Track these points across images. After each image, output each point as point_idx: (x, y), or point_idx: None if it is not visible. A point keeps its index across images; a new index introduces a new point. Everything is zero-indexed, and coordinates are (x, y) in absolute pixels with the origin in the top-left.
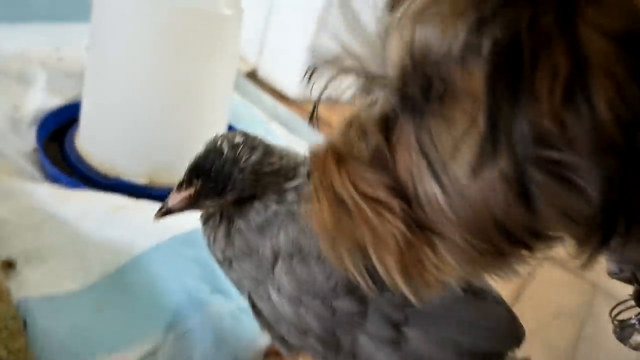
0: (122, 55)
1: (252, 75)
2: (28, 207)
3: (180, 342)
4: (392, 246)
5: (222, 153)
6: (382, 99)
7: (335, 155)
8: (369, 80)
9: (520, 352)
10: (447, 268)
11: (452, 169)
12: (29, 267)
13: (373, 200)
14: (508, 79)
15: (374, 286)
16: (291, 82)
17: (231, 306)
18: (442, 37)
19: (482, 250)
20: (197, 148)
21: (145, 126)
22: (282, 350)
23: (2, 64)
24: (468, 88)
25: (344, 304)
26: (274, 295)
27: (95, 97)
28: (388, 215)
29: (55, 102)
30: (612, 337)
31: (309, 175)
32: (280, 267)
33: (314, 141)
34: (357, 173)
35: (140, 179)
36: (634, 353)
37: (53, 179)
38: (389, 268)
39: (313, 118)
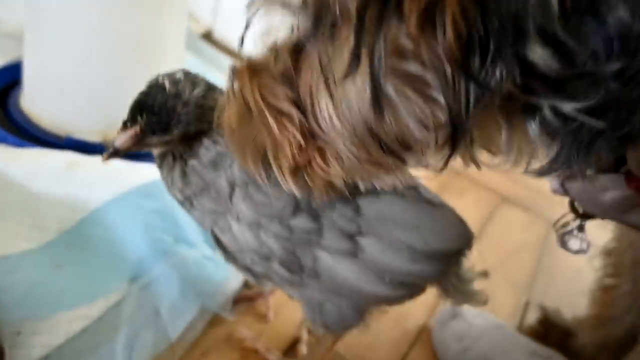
0: (64, 9)
1: (208, 36)
2: None
3: (145, 292)
4: (287, 150)
5: (164, 88)
6: (298, 27)
7: (251, 70)
8: (290, 11)
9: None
10: (333, 172)
11: (340, 84)
12: None
13: (276, 110)
14: (376, 3)
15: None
16: (247, 42)
17: (195, 254)
18: None
19: (362, 159)
20: None
21: (95, 83)
22: (250, 279)
23: None
24: (349, 13)
25: (300, 222)
26: (234, 225)
27: (38, 56)
28: (287, 123)
29: None
30: (567, 269)
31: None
32: (237, 196)
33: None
34: (267, 86)
35: (93, 137)
36: (585, 279)
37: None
38: (283, 168)
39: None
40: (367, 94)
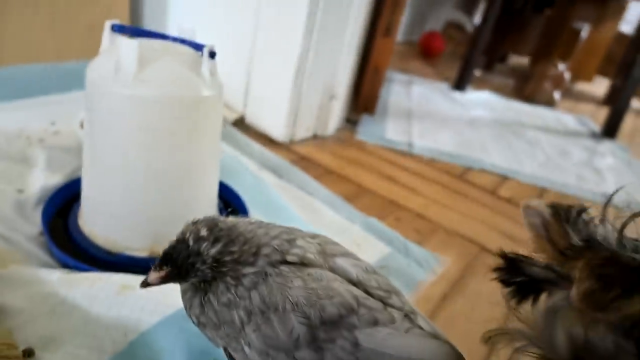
0: (112, 144)
1: (240, 122)
2: (41, 294)
3: None
4: None
5: (188, 246)
6: None
7: None
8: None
9: None
10: None
11: None
12: (47, 352)
13: None
14: None
15: None
16: (276, 125)
17: None
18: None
19: None
20: (192, 217)
21: (143, 205)
22: None
23: (4, 146)
24: None
25: (304, 354)
26: (247, 349)
27: (92, 181)
28: None
29: (56, 179)
30: None
31: None
32: (249, 326)
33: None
34: None
35: (142, 252)
36: None
37: (60, 262)
38: None
39: None
40: None
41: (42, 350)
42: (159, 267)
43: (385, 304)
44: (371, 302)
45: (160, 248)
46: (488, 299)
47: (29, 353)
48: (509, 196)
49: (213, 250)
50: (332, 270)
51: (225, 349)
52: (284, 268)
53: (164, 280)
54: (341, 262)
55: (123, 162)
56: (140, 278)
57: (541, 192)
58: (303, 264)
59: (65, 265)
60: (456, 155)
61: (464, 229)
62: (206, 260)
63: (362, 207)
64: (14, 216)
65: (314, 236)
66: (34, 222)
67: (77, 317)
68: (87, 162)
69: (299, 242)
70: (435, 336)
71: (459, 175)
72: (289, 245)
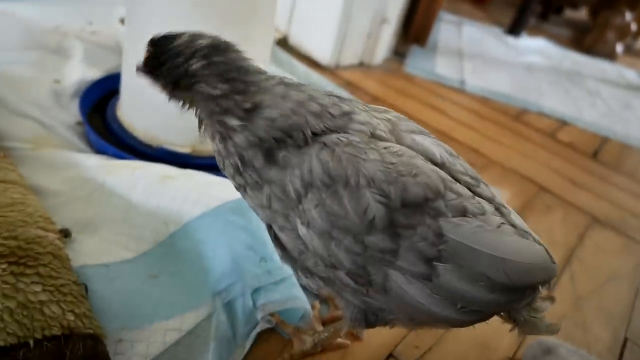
0: (160, 23)
1: (283, 43)
2: (78, 178)
3: (228, 308)
4: None
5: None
6: None
7: None
8: None
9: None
10: None
11: None
12: (83, 235)
13: None
14: None
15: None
16: (322, 48)
17: (274, 273)
18: None
19: None
20: None
21: None
22: (306, 282)
23: (40, 38)
24: None
25: (376, 240)
26: (302, 229)
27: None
28: None
29: (93, 74)
30: None
31: None
32: (309, 201)
33: None
34: None
35: (183, 149)
36: None
37: (99, 150)
38: None
39: None
40: None
41: (77, 233)
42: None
43: (474, 192)
44: (459, 187)
45: (202, 147)
46: (547, 237)
47: (65, 233)
48: (569, 141)
49: (200, 63)
50: (410, 147)
51: (270, 227)
52: (353, 137)
53: (145, 64)
54: (421, 140)
55: None
56: (181, 170)
57: (603, 140)
58: (373, 136)
59: (103, 154)
60: (511, 97)
61: (522, 167)
62: (191, 66)
63: None
64: (51, 104)
65: (383, 110)
66: (71, 112)
67: (115, 203)
68: (128, 47)
69: (362, 115)
70: (529, 234)
71: (515, 116)
72: (346, 115)
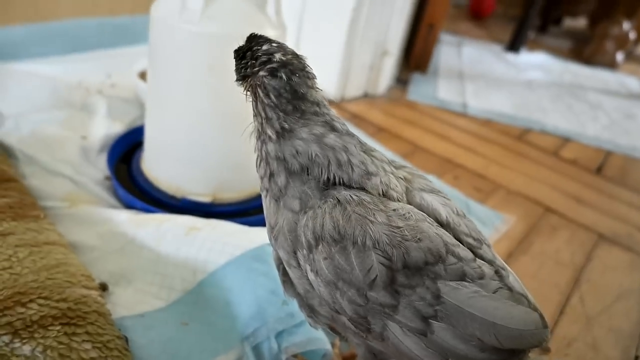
0: (178, 86)
1: None
2: (110, 233)
3: (255, 351)
4: None
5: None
6: None
7: None
8: None
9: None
10: None
11: None
12: (119, 288)
13: None
14: None
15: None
16: (327, 83)
17: (297, 319)
18: None
19: None
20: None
21: (206, 150)
22: (309, 320)
23: (66, 95)
24: None
25: (378, 296)
26: (312, 276)
27: (156, 126)
28: None
29: (117, 127)
30: None
31: None
32: (320, 252)
33: None
34: None
35: (205, 198)
36: None
37: (127, 204)
38: None
39: None
40: None
41: (113, 286)
42: None
43: (475, 254)
44: (461, 250)
45: (223, 195)
46: (555, 258)
47: (103, 287)
48: (573, 158)
49: (265, 73)
50: (419, 207)
51: (279, 265)
52: (365, 197)
53: (237, 51)
54: (430, 199)
55: (188, 103)
56: (206, 221)
57: (607, 155)
58: (385, 195)
59: (131, 208)
60: (514, 117)
61: (527, 189)
62: (259, 72)
63: (418, 165)
64: (81, 161)
65: (399, 166)
66: (99, 167)
67: (146, 255)
68: (151, 106)
69: (381, 174)
70: (525, 298)
71: (518, 136)
72: (367, 174)
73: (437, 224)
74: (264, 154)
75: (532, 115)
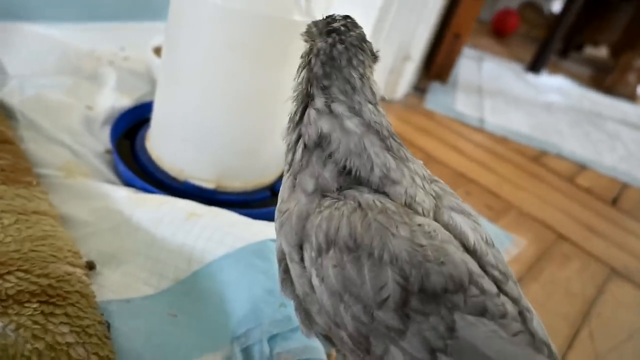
0: (195, 62)
1: None
2: (106, 210)
3: (245, 354)
4: None
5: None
6: None
7: None
8: None
9: None
10: None
11: None
12: (107, 269)
13: None
14: None
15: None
16: None
17: (294, 323)
18: None
19: None
20: (265, 155)
21: (215, 132)
22: (302, 327)
23: (76, 62)
24: None
25: (386, 316)
26: (316, 281)
27: (167, 103)
28: None
29: (124, 101)
30: None
31: None
32: (329, 258)
33: None
34: None
35: (208, 184)
36: None
37: (126, 181)
38: None
39: None
40: None
41: (101, 266)
42: None
43: (500, 289)
44: (485, 283)
45: (227, 183)
46: (565, 288)
47: (90, 266)
48: (588, 186)
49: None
50: (446, 227)
51: (281, 260)
52: (389, 205)
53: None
54: (459, 220)
55: (202, 81)
56: (207, 208)
57: (622, 187)
58: (409, 207)
59: (130, 186)
60: (530, 137)
61: (540, 212)
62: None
63: None
64: (83, 131)
65: (432, 180)
66: (101, 140)
67: (140, 238)
68: (162, 81)
69: (406, 183)
70: (547, 347)
71: (534, 158)
72: (387, 179)
73: (463, 249)
74: (301, 125)
75: (549, 138)
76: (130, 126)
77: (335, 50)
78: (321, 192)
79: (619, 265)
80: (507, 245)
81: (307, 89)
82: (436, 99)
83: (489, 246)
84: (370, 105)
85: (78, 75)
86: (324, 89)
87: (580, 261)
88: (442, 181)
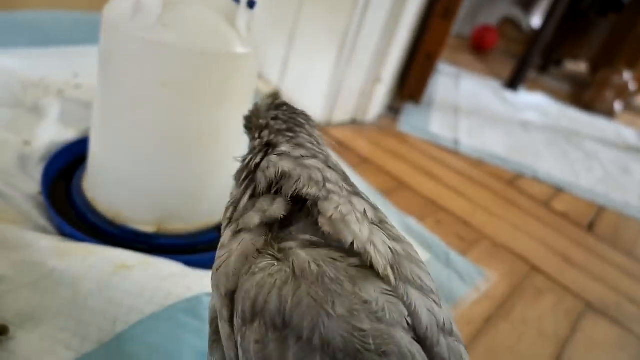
0: (125, 100)
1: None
2: (26, 262)
3: None
4: None
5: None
6: None
7: None
8: None
9: None
10: None
11: None
12: (23, 331)
13: None
14: None
15: None
16: (314, 106)
17: None
18: None
19: None
20: (210, 194)
21: (151, 172)
22: None
23: (19, 93)
24: None
25: None
26: (240, 351)
27: (99, 142)
28: None
29: (69, 134)
30: None
31: None
32: (252, 330)
33: None
34: None
35: (148, 227)
36: None
37: (57, 226)
38: None
39: None
40: None
41: (17, 327)
42: None
43: None
44: None
45: (169, 225)
46: (537, 329)
47: (1, 330)
48: (564, 210)
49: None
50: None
51: (213, 319)
52: (329, 267)
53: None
54: (415, 298)
55: (136, 120)
56: (141, 257)
57: (599, 210)
58: (365, 267)
59: (60, 231)
60: (506, 159)
61: (513, 242)
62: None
63: (399, 204)
64: (15, 170)
65: (396, 238)
66: (36, 179)
67: (62, 295)
68: (96, 119)
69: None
70: None
71: (509, 181)
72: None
73: (413, 333)
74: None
75: (525, 160)
76: (70, 163)
77: (294, 113)
78: (266, 224)
79: (594, 298)
80: (478, 281)
81: (267, 141)
82: (410, 120)
83: (445, 335)
84: (332, 159)
85: (20, 107)
86: (289, 140)
87: (554, 295)
88: (407, 241)
